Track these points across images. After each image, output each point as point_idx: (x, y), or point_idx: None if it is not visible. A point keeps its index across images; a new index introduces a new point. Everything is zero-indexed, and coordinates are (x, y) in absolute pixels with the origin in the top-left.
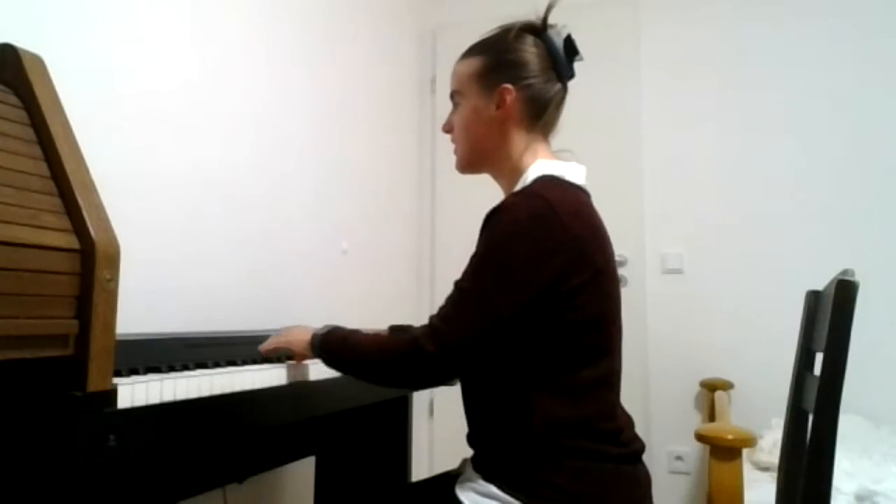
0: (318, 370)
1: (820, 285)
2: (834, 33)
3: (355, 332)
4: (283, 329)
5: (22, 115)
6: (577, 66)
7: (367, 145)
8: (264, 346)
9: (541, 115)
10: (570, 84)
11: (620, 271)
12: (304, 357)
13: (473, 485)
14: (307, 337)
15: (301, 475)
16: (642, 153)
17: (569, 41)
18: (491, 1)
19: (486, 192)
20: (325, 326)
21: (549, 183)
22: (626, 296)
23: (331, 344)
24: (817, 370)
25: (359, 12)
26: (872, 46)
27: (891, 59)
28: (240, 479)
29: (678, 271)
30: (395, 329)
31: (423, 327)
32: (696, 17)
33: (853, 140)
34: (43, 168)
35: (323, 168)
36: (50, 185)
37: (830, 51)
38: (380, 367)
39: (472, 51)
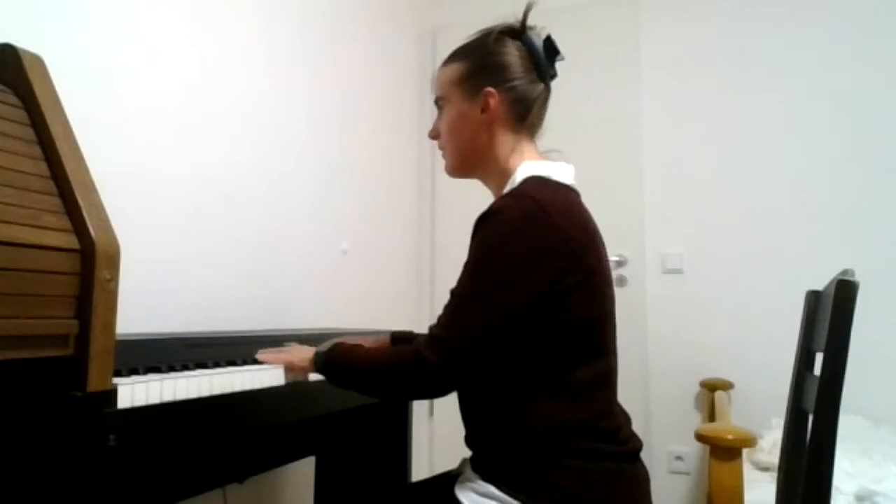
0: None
1: (820, 285)
2: (834, 33)
3: (358, 347)
4: (285, 347)
5: (22, 115)
6: (576, 65)
7: (367, 145)
8: (264, 359)
9: (525, 116)
10: (571, 84)
11: (620, 271)
12: (305, 373)
13: (473, 485)
14: (309, 355)
15: (301, 475)
16: (642, 153)
17: (549, 42)
18: (491, 1)
19: (486, 192)
20: (327, 343)
21: (538, 183)
22: (626, 296)
23: (334, 360)
24: (817, 370)
25: (359, 12)
26: (872, 46)
27: (891, 59)
28: (240, 479)
29: (678, 271)
30: (397, 339)
31: (424, 338)
32: (696, 17)
33: (853, 140)
34: (43, 168)
35: (323, 168)
36: (50, 185)
37: (830, 51)
38: (383, 380)
39: (454, 56)
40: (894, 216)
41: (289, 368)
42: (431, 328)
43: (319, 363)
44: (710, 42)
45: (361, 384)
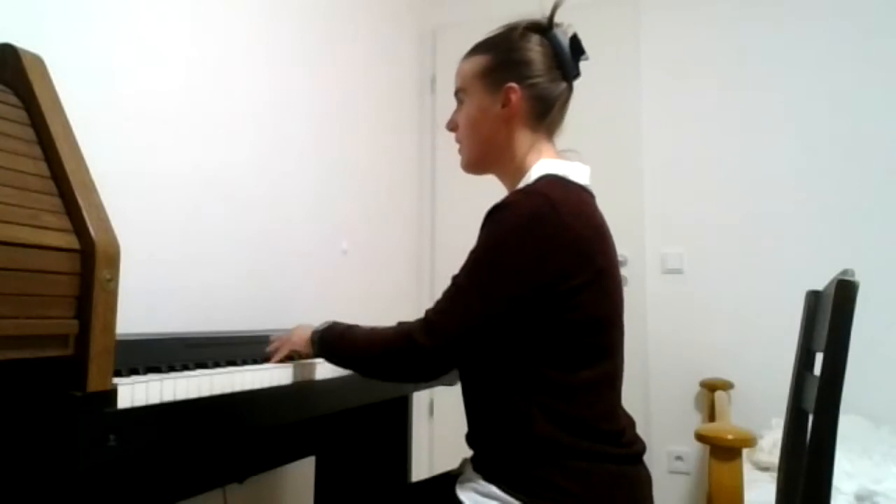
0: (323, 369)
1: (820, 285)
2: (834, 33)
3: (354, 327)
4: (288, 331)
5: (22, 115)
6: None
7: (367, 145)
8: (274, 357)
9: (546, 114)
10: None
11: (621, 271)
12: (306, 353)
13: (474, 485)
14: (308, 334)
15: (301, 475)
16: (642, 153)
17: (574, 40)
18: (491, 1)
19: (486, 192)
20: (325, 322)
21: (552, 182)
22: (627, 296)
23: (329, 339)
24: (817, 370)
25: (359, 12)
26: (872, 46)
27: (891, 59)
28: (240, 479)
29: (678, 271)
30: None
31: (418, 320)
32: (697, 16)
33: (853, 140)
34: (43, 168)
35: (323, 168)
36: (50, 185)
37: (830, 51)
38: (375, 360)
39: (478, 49)
40: (894, 216)
41: (290, 349)
42: (428, 312)
43: (316, 342)
44: (711, 42)
45: (355, 364)
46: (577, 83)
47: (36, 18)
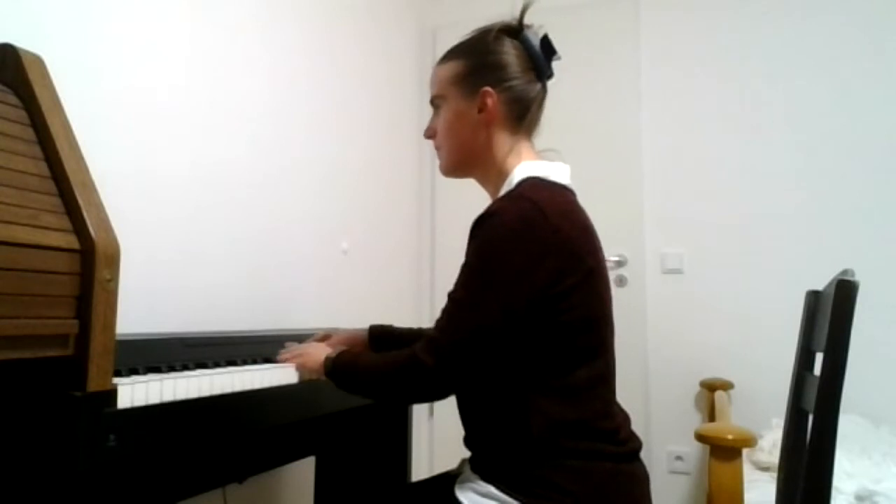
0: None
1: (820, 285)
2: (834, 33)
3: (364, 353)
4: (302, 345)
5: (22, 115)
6: (576, 65)
7: (367, 145)
8: (282, 359)
9: (523, 115)
10: (571, 83)
11: (620, 271)
12: (316, 375)
13: (473, 485)
14: (321, 358)
15: (301, 475)
16: (642, 153)
17: (546, 41)
18: (490, 1)
19: (486, 192)
20: (336, 349)
21: (535, 184)
22: (627, 296)
23: (341, 365)
24: (817, 370)
25: (359, 12)
26: (874, 46)
27: (891, 59)
28: (240, 479)
29: (678, 271)
30: (374, 332)
31: (422, 340)
32: (697, 16)
33: (853, 140)
34: (43, 168)
35: (323, 168)
36: (50, 185)
37: (831, 50)
38: (383, 382)
39: (452, 54)
40: (894, 216)
41: (302, 370)
42: (429, 331)
43: (329, 366)
44: (711, 41)
45: (365, 389)
46: (577, 83)
47: (36, 18)
